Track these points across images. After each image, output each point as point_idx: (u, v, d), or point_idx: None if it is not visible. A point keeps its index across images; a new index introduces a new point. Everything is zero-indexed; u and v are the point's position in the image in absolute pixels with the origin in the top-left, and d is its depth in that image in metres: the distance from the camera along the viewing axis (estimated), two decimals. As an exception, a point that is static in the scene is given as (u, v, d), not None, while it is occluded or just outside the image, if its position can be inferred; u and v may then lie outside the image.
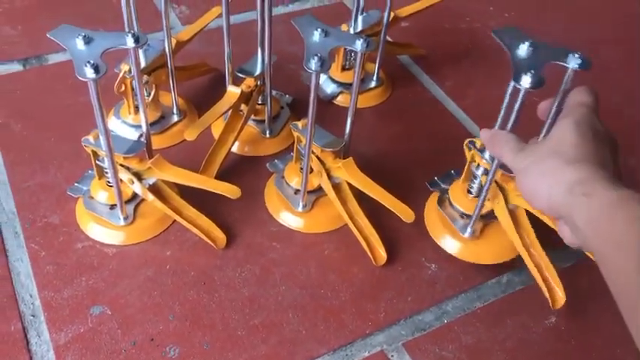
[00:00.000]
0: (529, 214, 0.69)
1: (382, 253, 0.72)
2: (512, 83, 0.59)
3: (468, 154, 0.69)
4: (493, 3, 1.16)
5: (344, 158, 0.72)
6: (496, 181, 0.68)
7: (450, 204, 0.73)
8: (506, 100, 0.61)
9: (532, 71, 0.53)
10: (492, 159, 0.64)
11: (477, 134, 0.87)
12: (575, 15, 1.17)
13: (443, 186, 0.75)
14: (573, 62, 0.55)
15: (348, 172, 0.71)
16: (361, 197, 0.74)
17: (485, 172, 0.67)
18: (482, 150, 0.67)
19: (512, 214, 0.69)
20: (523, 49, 0.56)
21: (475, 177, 0.70)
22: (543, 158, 0.52)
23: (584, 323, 0.69)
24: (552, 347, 0.67)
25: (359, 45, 0.62)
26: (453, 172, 0.76)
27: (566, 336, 0.68)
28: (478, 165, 0.68)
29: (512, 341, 0.67)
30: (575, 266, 0.74)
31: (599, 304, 0.70)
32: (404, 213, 0.70)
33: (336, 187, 0.74)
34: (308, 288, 0.70)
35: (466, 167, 0.70)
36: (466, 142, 0.69)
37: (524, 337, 0.67)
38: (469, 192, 0.72)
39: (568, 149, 0.51)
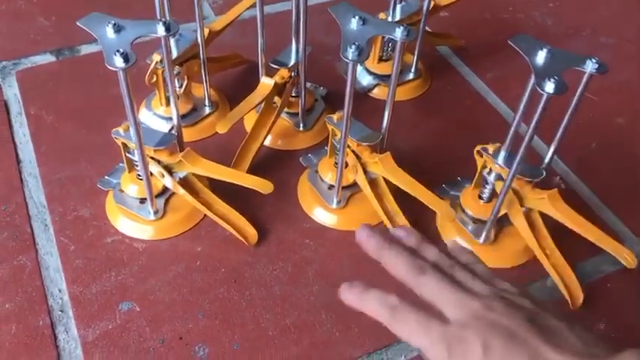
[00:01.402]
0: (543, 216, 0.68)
1: (420, 253, 0.69)
2: (529, 87, 0.59)
3: (479, 161, 0.69)
4: (537, -8, 1.11)
5: (381, 153, 0.69)
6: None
7: (462, 210, 0.72)
8: (523, 102, 0.61)
9: (555, 77, 0.53)
10: (509, 164, 0.64)
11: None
12: (627, 4, 1.11)
13: (452, 193, 0.74)
14: (591, 67, 0.56)
15: (385, 168, 0.68)
16: (399, 193, 0.71)
17: (499, 178, 0.67)
18: (495, 155, 0.66)
19: (527, 216, 0.68)
20: (541, 56, 0.56)
21: (487, 183, 0.69)
22: None
23: (634, 332, 0.65)
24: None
25: (399, 33, 0.58)
26: (459, 178, 0.76)
27: (615, 344, 0.64)
28: (490, 170, 0.67)
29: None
30: (611, 276, 0.70)
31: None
32: (444, 211, 0.67)
33: (372, 183, 0.71)
34: (342, 287, 0.67)
35: (477, 174, 0.70)
36: (477, 148, 0.68)
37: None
38: (480, 198, 0.71)
39: None
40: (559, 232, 0.67)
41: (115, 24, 0.55)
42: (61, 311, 0.63)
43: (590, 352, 0.40)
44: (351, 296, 0.47)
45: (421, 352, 0.43)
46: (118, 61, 0.53)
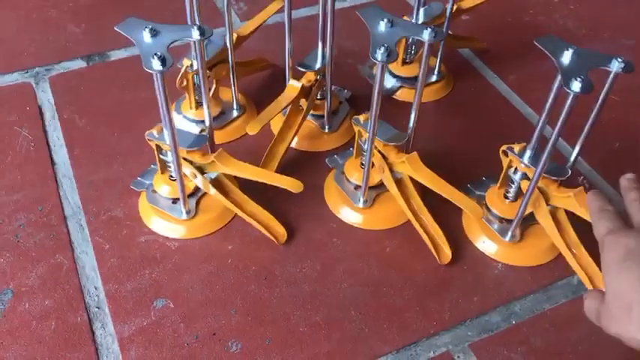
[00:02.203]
0: (568, 213, 0.69)
1: (447, 251, 0.70)
2: (554, 87, 0.60)
3: (504, 161, 0.70)
4: (557, -5, 1.12)
5: (407, 153, 0.71)
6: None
7: (488, 209, 0.73)
8: (549, 102, 0.62)
9: (581, 77, 0.54)
10: (534, 163, 0.65)
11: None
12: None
13: (477, 193, 0.75)
14: (617, 66, 0.57)
15: (412, 167, 0.69)
16: (424, 193, 0.72)
17: (525, 177, 0.68)
18: (521, 154, 0.67)
19: (552, 215, 0.69)
20: (567, 56, 0.57)
21: (512, 182, 0.70)
22: None
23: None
24: (629, 351, 0.63)
25: (426, 35, 0.60)
26: (484, 178, 0.77)
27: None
28: (516, 170, 0.68)
29: (586, 344, 0.64)
30: None
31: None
32: (473, 210, 0.68)
33: (398, 183, 0.72)
34: (370, 285, 0.68)
35: (503, 173, 0.71)
36: (503, 148, 0.69)
37: (598, 341, 0.64)
38: (506, 197, 0.72)
39: None
40: (585, 231, 0.68)
41: (151, 28, 0.57)
42: (98, 308, 0.65)
43: None
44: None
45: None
46: (156, 64, 0.54)
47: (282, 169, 0.77)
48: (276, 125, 0.83)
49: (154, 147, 0.68)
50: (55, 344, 0.62)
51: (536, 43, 0.58)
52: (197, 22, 0.75)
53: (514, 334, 0.65)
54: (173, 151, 0.64)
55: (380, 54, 0.57)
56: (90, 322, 0.64)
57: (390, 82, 0.91)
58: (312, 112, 0.83)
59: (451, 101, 0.91)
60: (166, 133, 0.63)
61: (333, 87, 0.83)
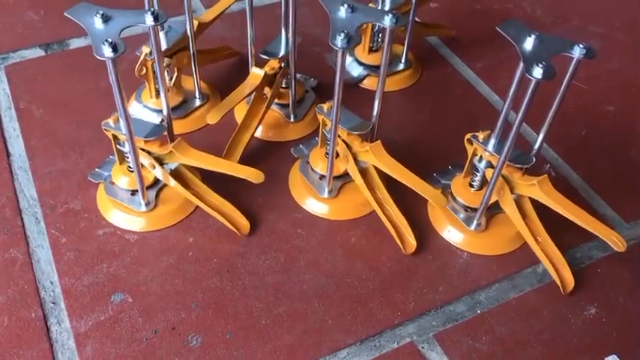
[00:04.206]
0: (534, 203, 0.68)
1: (412, 241, 0.69)
2: (517, 73, 0.60)
3: (469, 149, 0.69)
4: (526, -18, 1.12)
5: (371, 142, 0.69)
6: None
7: (453, 198, 0.72)
8: (512, 89, 0.61)
9: (543, 62, 0.53)
10: (499, 151, 0.64)
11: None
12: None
13: (442, 182, 0.75)
14: (579, 52, 0.57)
15: (375, 156, 0.68)
16: (389, 183, 0.71)
17: (489, 165, 0.68)
18: (485, 142, 0.66)
19: (517, 203, 0.68)
20: (530, 42, 0.56)
21: (477, 170, 0.69)
22: None
23: (626, 315, 0.65)
24: (592, 340, 0.64)
25: (388, 21, 0.59)
26: (450, 167, 0.76)
27: (607, 328, 0.64)
28: (481, 158, 0.68)
29: (550, 333, 0.64)
30: (601, 261, 0.70)
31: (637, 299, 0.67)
32: (436, 198, 0.67)
33: (363, 173, 0.71)
34: (334, 276, 0.67)
35: (467, 162, 0.70)
36: (468, 136, 0.68)
37: (562, 329, 0.64)
38: (471, 186, 0.71)
39: None
40: (549, 219, 0.68)
41: (103, 14, 0.55)
42: (54, 303, 0.63)
43: None
44: None
45: None
46: (107, 51, 0.52)
47: (246, 159, 0.76)
48: (240, 114, 0.81)
49: (111, 137, 0.66)
50: (8, 341, 0.60)
51: (498, 29, 0.58)
52: (154, 8, 0.73)
53: (479, 324, 0.64)
54: (129, 141, 0.62)
55: (340, 40, 0.55)
56: (45, 317, 0.62)
57: (356, 71, 0.90)
58: (277, 101, 0.82)
59: (418, 89, 0.90)
60: (122, 123, 0.61)
61: (298, 75, 0.82)
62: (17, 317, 0.62)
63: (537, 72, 0.53)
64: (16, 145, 0.78)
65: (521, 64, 0.58)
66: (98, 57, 0.52)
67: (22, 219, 0.70)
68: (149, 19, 0.57)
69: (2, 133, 0.79)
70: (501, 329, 0.64)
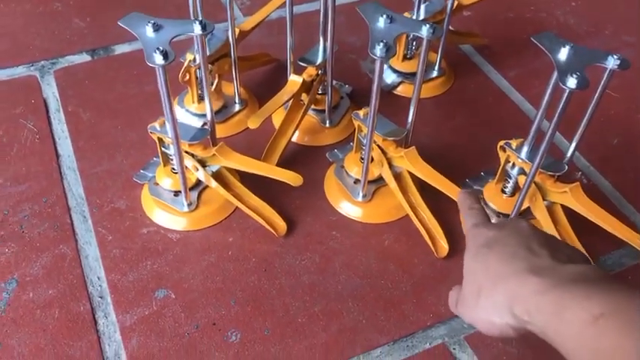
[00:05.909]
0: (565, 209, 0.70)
1: (444, 245, 0.71)
2: (551, 83, 0.61)
3: (502, 156, 0.70)
4: (559, -9, 1.13)
5: (405, 148, 0.71)
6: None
7: (486, 204, 0.73)
8: (545, 98, 0.63)
9: (577, 73, 0.54)
10: (531, 158, 0.65)
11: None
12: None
13: (475, 187, 0.76)
14: (612, 63, 0.58)
15: (410, 162, 0.70)
16: (422, 188, 0.73)
17: (522, 172, 0.69)
18: (518, 150, 0.67)
19: (549, 210, 0.69)
20: (564, 53, 0.57)
21: (510, 177, 0.71)
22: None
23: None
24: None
25: (425, 31, 0.61)
26: (482, 173, 0.78)
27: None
28: (513, 165, 0.69)
29: (580, 338, 0.65)
30: (632, 268, 0.71)
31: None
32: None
33: (397, 177, 0.73)
34: (368, 278, 0.69)
35: (500, 168, 0.71)
36: (500, 144, 0.70)
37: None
38: (503, 192, 0.73)
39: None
40: (580, 227, 0.69)
41: (154, 23, 0.58)
42: (101, 297, 0.67)
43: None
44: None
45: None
46: (158, 59, 0.55)
47: (283, 163, 0.78)
48: (277, 119, 0.84)
49: (157, 140, 0.70)
50: (59, 333, 0.63)
51: (533, 40, 0.59)
52: (199, 17, 0.76)
53: (509, 327, 0.65)
54: (175, 144, 0.65)
55: (379, 49, 0.58)
56: (92, 311, 0.65)
57: (390, 78, 0.92)
58: (313, 106, 0.84)
59: (451, 97, 0.92)
60: (168, 127, 0.64)
61: (334, 82, 0.84)
62: (67, 310, 0.65)
63: (571, 82, 0.54)
64: (65, 147, 0.82)
65: (555, 74, 0.59)
66: (150, 64, 0.55)
67: (70, 217, 0.74)
68: (197, 29, 0.59)
69: (52, 134, 0.83)
70: (532, 334, 0.65)
